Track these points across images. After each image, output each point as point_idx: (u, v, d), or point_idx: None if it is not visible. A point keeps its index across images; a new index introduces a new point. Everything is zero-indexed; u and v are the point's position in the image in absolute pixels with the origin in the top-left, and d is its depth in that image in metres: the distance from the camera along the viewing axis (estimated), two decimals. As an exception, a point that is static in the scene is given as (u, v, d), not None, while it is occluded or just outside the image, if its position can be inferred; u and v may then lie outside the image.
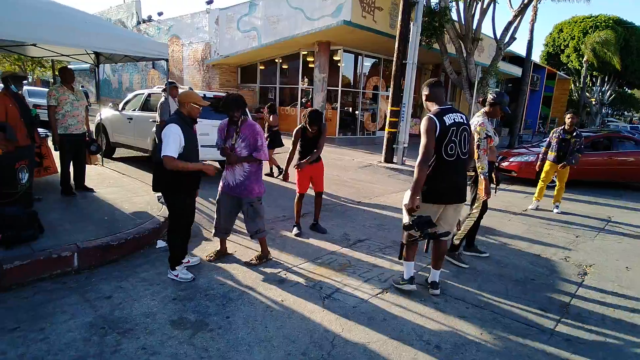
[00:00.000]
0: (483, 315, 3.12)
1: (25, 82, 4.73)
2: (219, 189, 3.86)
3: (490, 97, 3.96)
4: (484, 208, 4.18)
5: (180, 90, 4.91)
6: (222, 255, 3.97)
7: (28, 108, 4.65)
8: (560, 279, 3.97)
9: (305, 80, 15.76)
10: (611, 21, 31.21)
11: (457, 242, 4.16)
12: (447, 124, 3.02)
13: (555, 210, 6.53)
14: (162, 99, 6.69)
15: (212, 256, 3.89)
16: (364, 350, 2.58)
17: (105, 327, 2.69)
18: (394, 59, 9.99)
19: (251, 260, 3.87)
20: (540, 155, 7.08)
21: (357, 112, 16.69)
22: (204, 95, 7.10)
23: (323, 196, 5.01)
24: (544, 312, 3.24)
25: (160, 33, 19.91)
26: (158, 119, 6.70)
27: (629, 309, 3.41)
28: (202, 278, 3.48)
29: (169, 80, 6.74)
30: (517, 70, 21.11)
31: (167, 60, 5.84)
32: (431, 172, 3.03)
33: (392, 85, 10.18)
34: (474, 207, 4.14)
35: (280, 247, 4.30)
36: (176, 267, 3.42)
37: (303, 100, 15.75)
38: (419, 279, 3.57)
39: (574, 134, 6.28)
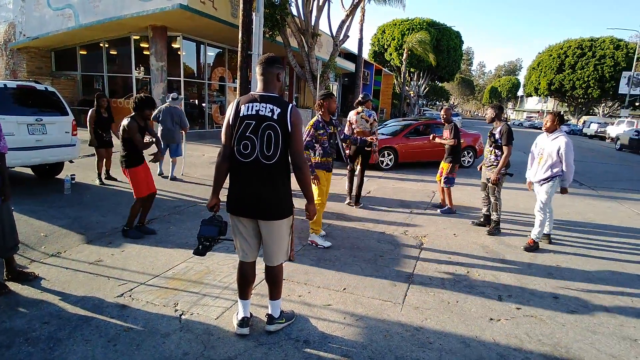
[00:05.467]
0: (345, 299, 3.23)
1: None
2: None
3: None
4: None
5: None
6: (19, 273, 3.28)
7: None
8: (403, 252, 4.43)
9: (142, 68, 14.14)
10: (425, 23, 36.90)
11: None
12: (241, 115, 2.40)
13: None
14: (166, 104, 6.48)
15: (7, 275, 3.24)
16: (232, 365, 2.37)
17: None
18: (239, 50, 9.71)
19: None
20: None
21: (204, 104, 15.84)
22: (5, 85, 5.60)
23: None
24: (394, 285, 3.55)
25: None
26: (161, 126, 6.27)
27: (462, 269, 3.98)
28: (18, 318, 2.70)
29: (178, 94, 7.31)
30: (351, 66, 23.22)
31: None
32: (230, 173, 2.54)
33: (238, 77, 9.89)
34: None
35: (123, 264, 3.68)
36: None
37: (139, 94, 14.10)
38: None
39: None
